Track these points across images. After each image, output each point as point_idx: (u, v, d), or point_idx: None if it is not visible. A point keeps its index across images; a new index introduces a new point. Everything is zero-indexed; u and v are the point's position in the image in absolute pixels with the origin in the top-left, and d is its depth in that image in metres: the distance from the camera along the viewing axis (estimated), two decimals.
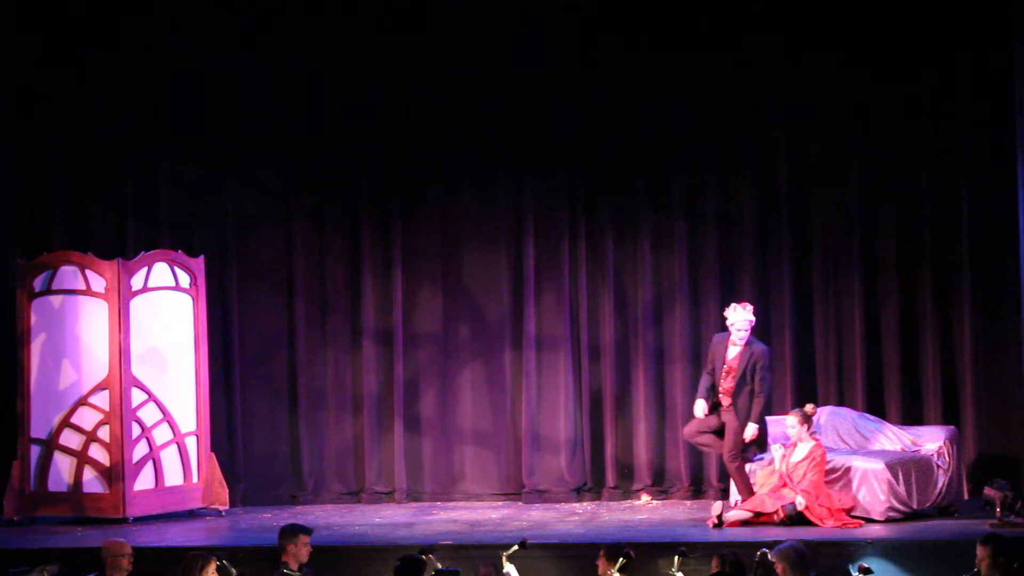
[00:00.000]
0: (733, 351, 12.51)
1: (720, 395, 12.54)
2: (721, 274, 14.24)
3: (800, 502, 12.01)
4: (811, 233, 14.21)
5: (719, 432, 12.51)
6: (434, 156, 14.43)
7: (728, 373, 12.49)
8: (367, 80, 14.39)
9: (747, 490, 12.38)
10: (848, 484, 12.39)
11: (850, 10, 13.94)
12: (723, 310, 12.68)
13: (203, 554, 9.85)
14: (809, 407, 12.48)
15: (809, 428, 12.37)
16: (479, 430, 14.45)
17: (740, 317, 12.46)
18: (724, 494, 13.30)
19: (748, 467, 12.59)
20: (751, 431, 12.37)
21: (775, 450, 12.53)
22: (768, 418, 13.45)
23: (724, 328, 12.55)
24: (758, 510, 12.17)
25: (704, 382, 12.61)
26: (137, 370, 13.24)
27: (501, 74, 14.32)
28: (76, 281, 13.25)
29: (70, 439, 13.22)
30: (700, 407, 12.54)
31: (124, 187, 14.51)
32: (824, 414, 13.05)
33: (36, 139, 14.38)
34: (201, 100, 14.36)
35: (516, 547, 10.56)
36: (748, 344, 12.47)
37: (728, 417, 12.47)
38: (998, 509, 12.07)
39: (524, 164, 14.42)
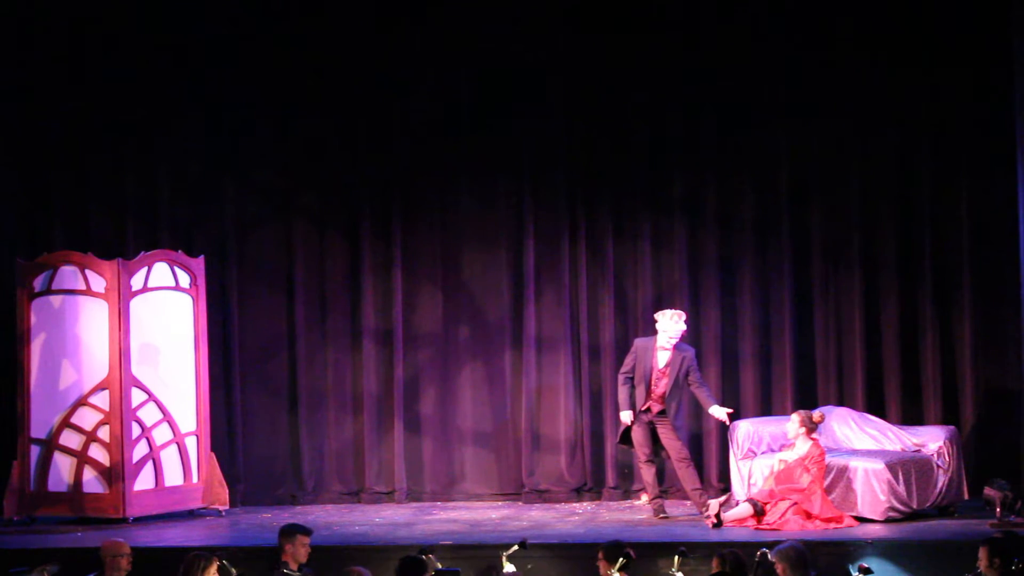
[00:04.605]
0: (664, 356, 12.72)
1: (650, 402, 12.64)
2: (721, 274, 14.25)
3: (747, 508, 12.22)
4: (811, 233, 14.22)
5: (655, 449, 12.73)
6: (434, 156, 14.44)
7: (661, 378, 12.61)
8: (367, 80, 14.39)
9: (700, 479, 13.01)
10: (848, 484, 12.40)
11: (850, 10, 13.94)
12: (656, 311, 12.86)
13: (204, 554, 9.85)
14: (817, 414, 12.48)
15: (811, 433, 12.36)
16: (479, 430, 14.46)
17: (673, 327, 12.72)
18: (724, 494, 13.31)
19: (748, 465, 12.66)
20: (722, 412, 12.66)
21: (767, 459, 12.60)
22: (768, 418, 13.50)
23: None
24: (765, 500, 12.19)
25: (624, 392, 12.75)
26: (137, 370, 13.24)
27: (501, 74, 14.32)
28: (76, 281, 13.25)
29: (70, 439, 13.21)
30: (628, 416, 12.73)
31: (124, 187, 14.51)
32: (825, 416, 13.05)
33: (36, 139, 14.38)
34: (201, 100, 14.37)
35: (516, 547, 10.56)
36: (677, 348, 12.62)
37: (661, 425, 12.66)
38: (998, 509, 12.08)
39: (524, 164, 14.43)
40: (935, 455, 12.69)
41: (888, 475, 12.33)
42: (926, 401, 14.02)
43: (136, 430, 13.22)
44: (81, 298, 13.25)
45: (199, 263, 13.71)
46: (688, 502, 13.14)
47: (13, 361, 13.39)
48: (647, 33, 14.17)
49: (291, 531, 10.40)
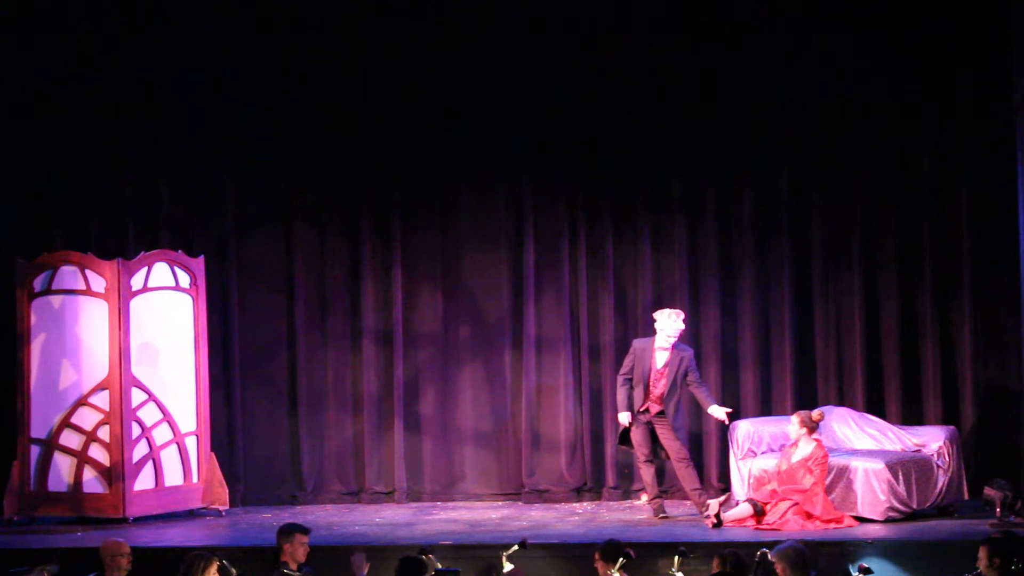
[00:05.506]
0: (662, 356, 12.73)
1: (649, 403, 12.66)
2: (721, 274, 14.25)
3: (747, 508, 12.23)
4: (811, 233, 14.22)
5: (654, 449, 12.74)
6: (434, 156, 14.44)
7: (659, 379, 12.62)
8: (367, 80, 14.40)
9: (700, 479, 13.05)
10: (848, 484, 12.39)
11: (850, 11, 13.94)
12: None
13: (205, 554, 9.84)
14: (816, 413, 12.48)
15: (812, 433, 12.36)
16: (479, 430, 14.46)
17: (672, 326, 12.72)
18: (724, 494, 13.31)
19: (747, 466, 12.67)
20: (721, 412, 12.67)
21: (767, 459, 12.61)
22: (768, 418, 13.50)
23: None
24: (766, 500, 12.19)
25: (622, 394, 12.76)
26: (137, 370, 13.23)
27: (501, 74, 14.33)
28: (76, 281, 13.24)
29: (70, 439, 13.21)
30: (625, 417, 12.74)
31: (124, 187, 14.51)
32: (824, 414, 13.05)
33: (36, 139, 14.37)
34: (201, 100, 14.37)
35: (516, 547, 10.56)
36: (675, 348, 12.63)
37: (660, 426, 12.67)
38: (998, 509, 12.07)
39: (524, 164, 14.43)
40: (935, 455, 12.69)
41: (888, 475, 12.33)
42: (926, 401, 14.02)
43: (136, 430, 13.22)
44: (81, 298, 13.25)
45: (199, 263, 13.71)
46: (688, 502, 13.14)
47: (13, 361, 13.39)
48: (647, 33, 14.17)
49: (289, 530, 10.40)
